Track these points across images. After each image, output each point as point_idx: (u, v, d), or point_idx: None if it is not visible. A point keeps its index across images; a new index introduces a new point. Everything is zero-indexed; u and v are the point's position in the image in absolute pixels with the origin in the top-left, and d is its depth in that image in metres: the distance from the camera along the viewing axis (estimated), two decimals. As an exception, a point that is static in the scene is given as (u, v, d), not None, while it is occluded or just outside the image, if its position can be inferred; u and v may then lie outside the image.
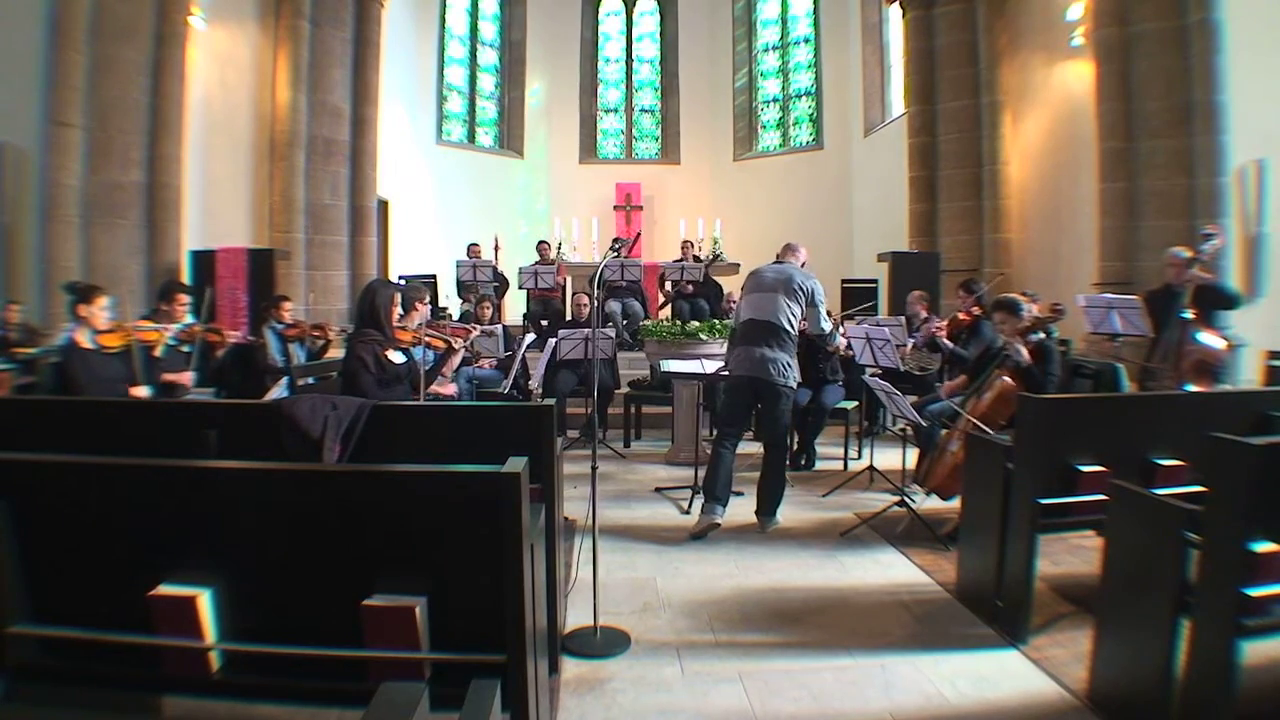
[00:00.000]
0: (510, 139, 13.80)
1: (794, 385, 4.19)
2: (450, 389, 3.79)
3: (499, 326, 6.85)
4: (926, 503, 4.36)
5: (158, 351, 4.24)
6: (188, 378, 4.33)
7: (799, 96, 13.54)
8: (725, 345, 5.91)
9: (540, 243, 9.47)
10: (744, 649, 2.87)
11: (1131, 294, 5.29)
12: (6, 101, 5.83)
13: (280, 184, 8.36)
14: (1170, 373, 4.42)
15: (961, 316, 5.45)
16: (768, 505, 4.23)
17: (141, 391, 4.04)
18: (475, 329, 5.33)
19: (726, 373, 4.43)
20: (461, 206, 12.30)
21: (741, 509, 4.31)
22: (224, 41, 7.76)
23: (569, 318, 7.68)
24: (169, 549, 1.80)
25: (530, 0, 13.70)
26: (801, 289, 4.19)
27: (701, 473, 4.53)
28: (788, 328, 4.14)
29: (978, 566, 3.21)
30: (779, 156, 13.63)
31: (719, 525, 4.09)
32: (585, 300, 7.17)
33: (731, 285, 8.67)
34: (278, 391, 4.93)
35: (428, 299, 4.04)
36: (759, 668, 2.70)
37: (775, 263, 4.43)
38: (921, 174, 9.42)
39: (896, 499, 4.37)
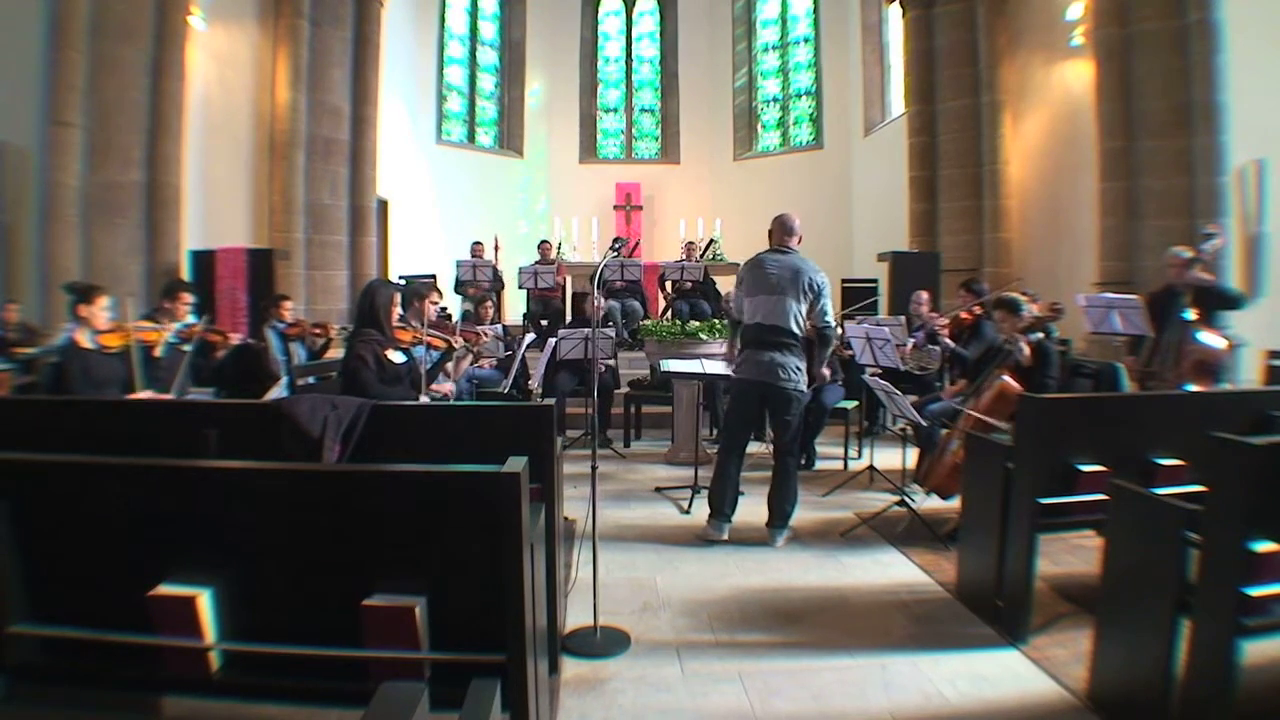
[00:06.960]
0: (510, 139, 13.79)
1: (804, 389, 4.05)
2: (448, 387, 3.77)
3: (499, 326, 6.85)
4: (926, 503, 4.36)
5: (158, 351, 4.23)
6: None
7: (799, 96, 13.54)
8: (726, 345, 5.91)
9: (542, 242, 9.45)
10: (744, 649, 2.87)
11: (1132, 294, 5.28)
12: (6, 101, 5.82)
13: (280, 184, 8.35)
14: (1170, 373, 4.41)
15: (964, 316, 5.43)
16: (778, 516, 4.04)
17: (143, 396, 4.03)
18: (488, 333, 5.33)
19: (732, 376, 4.29)
20: (461, 206, 12.30)
21: (742, 508, 4.27)
22: (224, 41, 7.76)
23: (569, 318, 7.66)
24: (169, 549, 1.80)
25: (530, 0, 13.70)
26: (810, 287, 4.01)
27: (702, 472, 4.53)
28: (796, 330, 3.99)
29: (978, 566, 3.21)
30: (779, 156, 13.62)
31: (724, 540, 4.03)
32: (596, 302, 7.15)
33: (729, 286, 8.63)
34: (278, 391, 4.93)
35: (437, 296, 4.01)
36: (759, 668, 2.70)
37: (776, 251, 4.13)
38: (921, 174, 9.41)
39: (896, 499, 4.37)
